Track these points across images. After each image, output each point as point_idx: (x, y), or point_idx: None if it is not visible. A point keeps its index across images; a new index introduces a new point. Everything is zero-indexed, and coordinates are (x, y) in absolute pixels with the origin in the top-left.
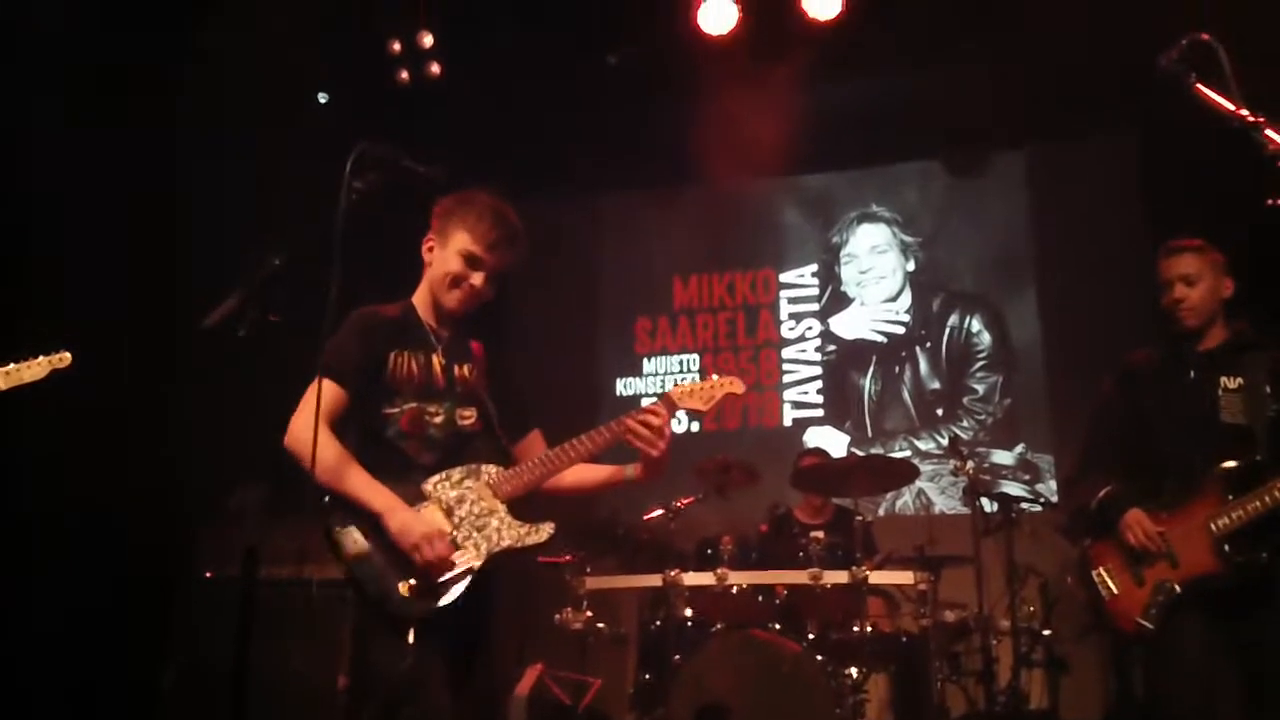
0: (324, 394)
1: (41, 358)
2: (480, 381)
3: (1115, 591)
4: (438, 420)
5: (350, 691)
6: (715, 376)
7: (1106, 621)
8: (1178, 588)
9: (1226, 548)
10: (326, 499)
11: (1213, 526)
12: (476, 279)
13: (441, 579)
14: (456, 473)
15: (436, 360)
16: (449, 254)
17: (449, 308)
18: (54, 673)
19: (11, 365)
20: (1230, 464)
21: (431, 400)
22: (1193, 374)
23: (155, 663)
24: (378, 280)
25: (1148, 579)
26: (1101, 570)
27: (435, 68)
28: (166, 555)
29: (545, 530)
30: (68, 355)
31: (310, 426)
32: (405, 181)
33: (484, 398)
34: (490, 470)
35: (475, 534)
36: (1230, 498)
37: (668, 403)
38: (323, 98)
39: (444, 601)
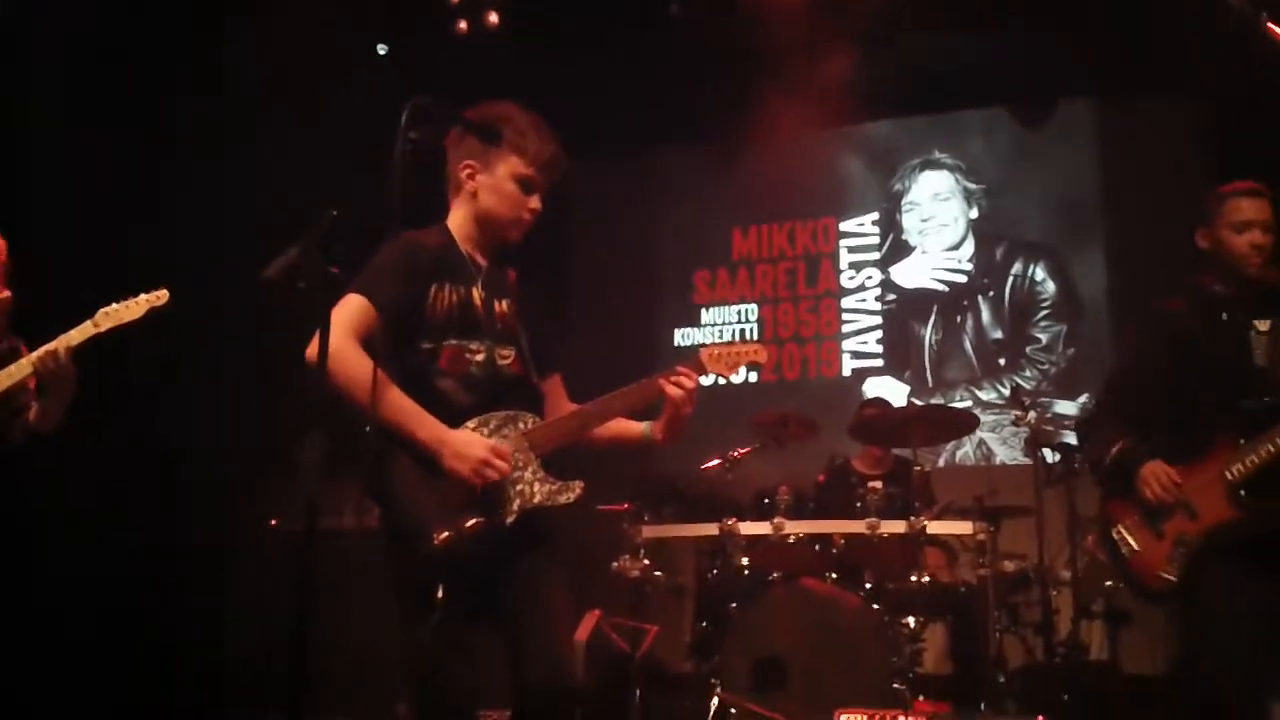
0: (354, 308)
1: (141, 296)
2: (517, 317)
3: (1136, 548)
4: (479, 359)
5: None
6: (742, 343)
7: (1131, 579)
8: (1199, 539)
9: (1243, 493)
10: (368, 429)
11: (1228, 474)
12: (534, 202)
13: (475, 530)
14: (495, 418)
15: (477, 294)
16: (499, 179)
17: (509, 238)
18: (119, 618)
19: (114, 305)
20: (1257, 408)
21: (472, 337)
22: (1225, 316)
23: (220, 613)
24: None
25: (1167, 532)
26: (1121, 528)
27: (494, 17)
28: (236, 506)
29: (575, 489)
30: (165, 293)
31: (341, 345)
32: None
33: (520, 336)
34: (528, 420)
35: (510, 488)
36: (1243, 442)
37: (695, 365)
38: (382, 49)
39: (469, 553)
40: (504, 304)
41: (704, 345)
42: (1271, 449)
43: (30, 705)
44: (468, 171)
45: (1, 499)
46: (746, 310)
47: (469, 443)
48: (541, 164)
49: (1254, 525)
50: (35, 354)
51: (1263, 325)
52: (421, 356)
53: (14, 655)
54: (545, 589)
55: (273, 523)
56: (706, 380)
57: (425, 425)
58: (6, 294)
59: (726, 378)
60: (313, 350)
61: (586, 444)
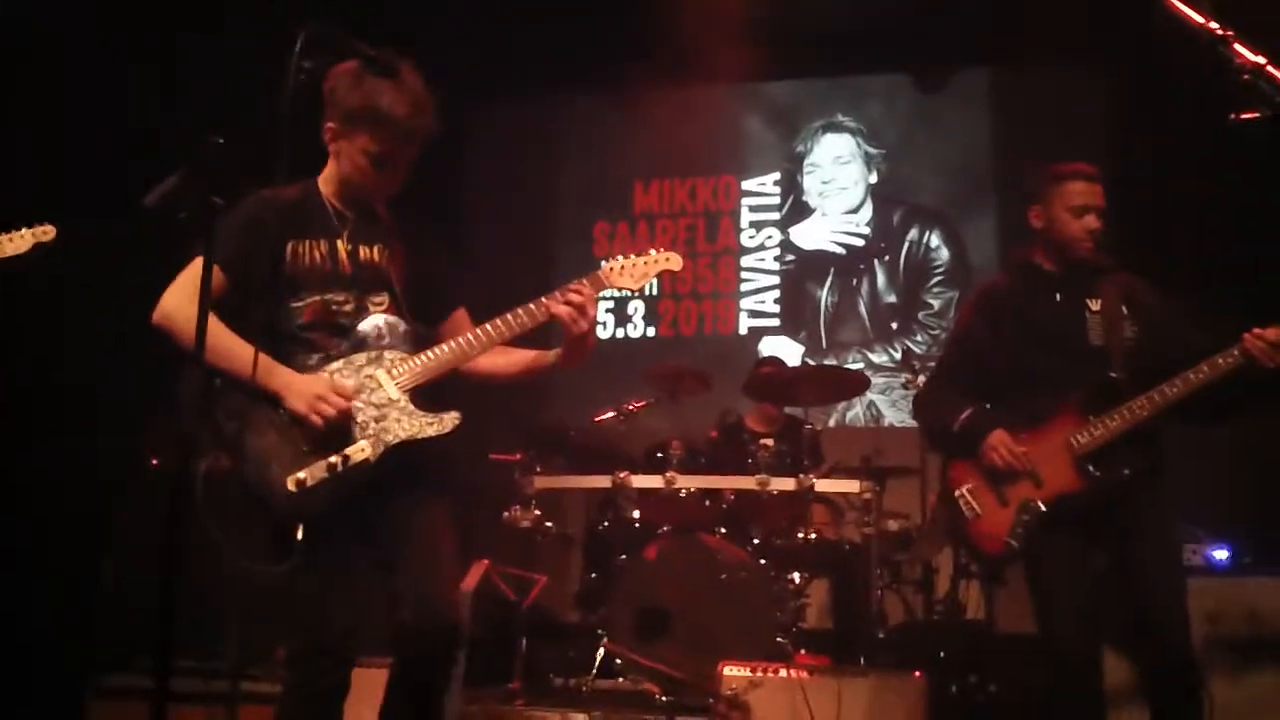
0: (197, 269)
1: (25, 230)
2: (394, 262)
3: (979, 512)
4: (347, 309)
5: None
6: (652, 252)
7: (970, 542)
8: (1043, 506)
9: (1090, 466)
10: (218, 381)
11: (1074, 442)
12: (383, 178)
13: (332, 471)
14: (360, 358)
15: (341, 246)
16: (354, 151)
17: (372, 201)
18: None
19: None
20: (1097, 384)
21: (337, 289)
22: (1058, 297)
23: (98, 551)
24: (321, 162)
25: (1011, 499)
26: (964, 490)
27: None
28: (116, 443)
29: (448, 420)
30: (51, 228)
31: (183, 304)
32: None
33: (394, 281)
34: (391, 356)
35: (373, 424)
36: (1090, 417)
37: (594, 281)
38: None
39: (331, 496)
40: (373, 250)
41: (607, 260)
42: (1118, 421)
43: None
44: (329, 134)
45: None
46: (616, 261)
47: (309, 382)
48: (397, 138)
49: (1093, 496)
50: None
51: (1095, 305)
52: (290, 313)
53: None
54: (419, 525)
55: (154, 462)
56: (635, 327)
57: (271, 374)
58: None
59: (634, 292)
60: (158, 312)
61: (471, 376)
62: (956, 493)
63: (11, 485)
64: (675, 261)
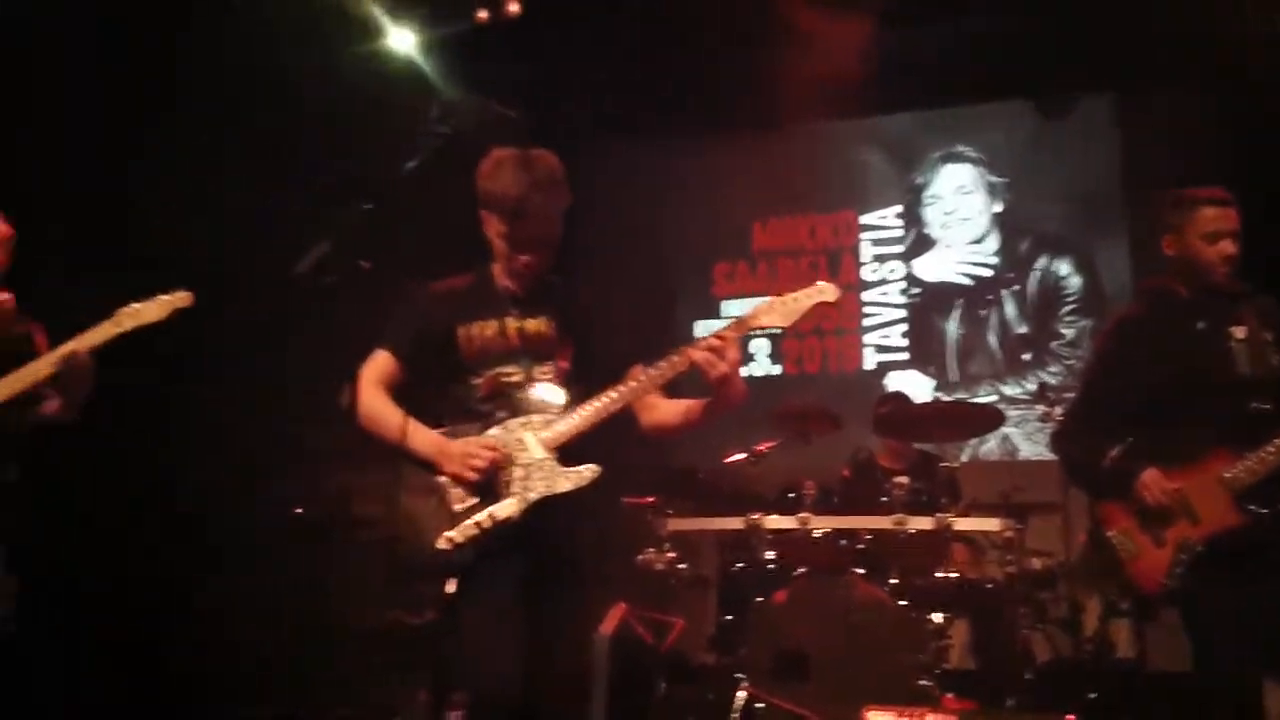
0: (377, 362)
1: (162, 297)
2: (561, 331)
3: (1135, 553)
4: (516, 379)
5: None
6: (803, 290)
7: (1126, 583)
8: (1200, 545)
9: (1248, 502)
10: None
11: (1228, 477)
12: (524, 257)
13: (480, 529)
14: (513, 423)
15: (510, 323)
16: (493, 236)
17: (519, 282)
18: (138, 611)
19: (135, 305)
20: (1245, 415)
21: (508, 363)
22: (1200, 325)
23: (241, 602)
24: (465, 223)
25: (1168, 539)
26: (1118, 531)
27: (514, 6)
28: (253, 495)
29: (586, 473)
30: (187, 294)
31: (365, 399)
32: (489, 124)
33: (560, 349)
34: (539, 419)
35: (518, 483)
36: (1244, 450)
37: (739, 325)
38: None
39: (480, 551)
40: (540, 323)
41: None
42: (1274, 455)
43: (47, 683)
44: (481, 220)
45: (31, 482)
46: (765, 300)
47: (458, 444)
48: (524, 220)
49: (1256, 533)
50: (56, 353)
51: (1239, 333)
52: (470, 390)
53: (33, 636)
54: (503, 601)
55: (297, 511)
56: (758, 363)
57: (427, 441)
58: (8, 296)
59: (786, 330)
60: (344, 398)
61: (658, 434)
62: (1110, 534)
63: (160, 535)
64: (830, 292)
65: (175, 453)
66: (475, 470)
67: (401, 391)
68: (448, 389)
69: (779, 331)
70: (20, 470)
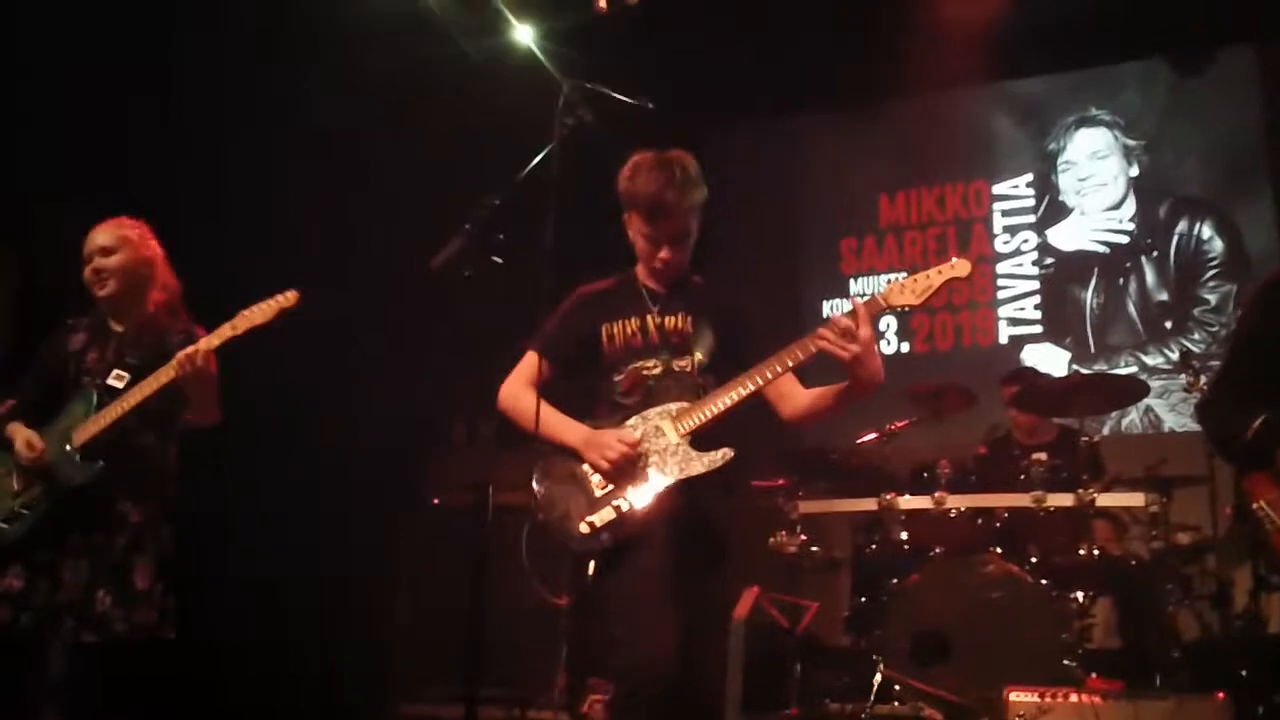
0: (527, 362)
1: (270, 300)
2: (700, 327)
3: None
4: (655, 373)
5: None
6: (934, 268)
7: (1273, 557)
8: None
9: None
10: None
11: None
12: (663, 253)
13: (619, 513)
14: (651, 412)
15: (651, 320)
16: (634, 236)
17: (656, 284)
18: (290, 601)
19: (251, 308)
20: None
21: (648, 358)
22: None
23: (386, 589)
24: (595, 215)
25: None
26: (1263, 503)
27: None
28: (397, 486)
29: (719, 457)
30: (294, 294)
31: (512, 392)
32: (615, 113)
33: (698, 343)
34: (675, 407)
35: (655, 470)
36: None
37: (870, 305)
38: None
39: (619, 535)
40: (679, 319)
41: (889, 283)
42: None
43: (199, 674)
44: (626, 223)
45: (181, 485)
46: (897, 279)
47: (598, 434)
48: (660, 217)
49: None
50: (175, 358)
51: None
52: (613, 386)
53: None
54: (647, 585)
55: (435, 501)
56: (888, 343)
57: (572, 431)
58: (175, 282)
59: (916, 308)
60: (500, 401)
61: (802, 421)
62: (1254, 505)
63: (304, 526)
64: (963, 267)
65: (319, 448)
66: (610, 460)
67: (550, 387)
68: (594, 385)
69: (908, 311)
70: (175, 481)
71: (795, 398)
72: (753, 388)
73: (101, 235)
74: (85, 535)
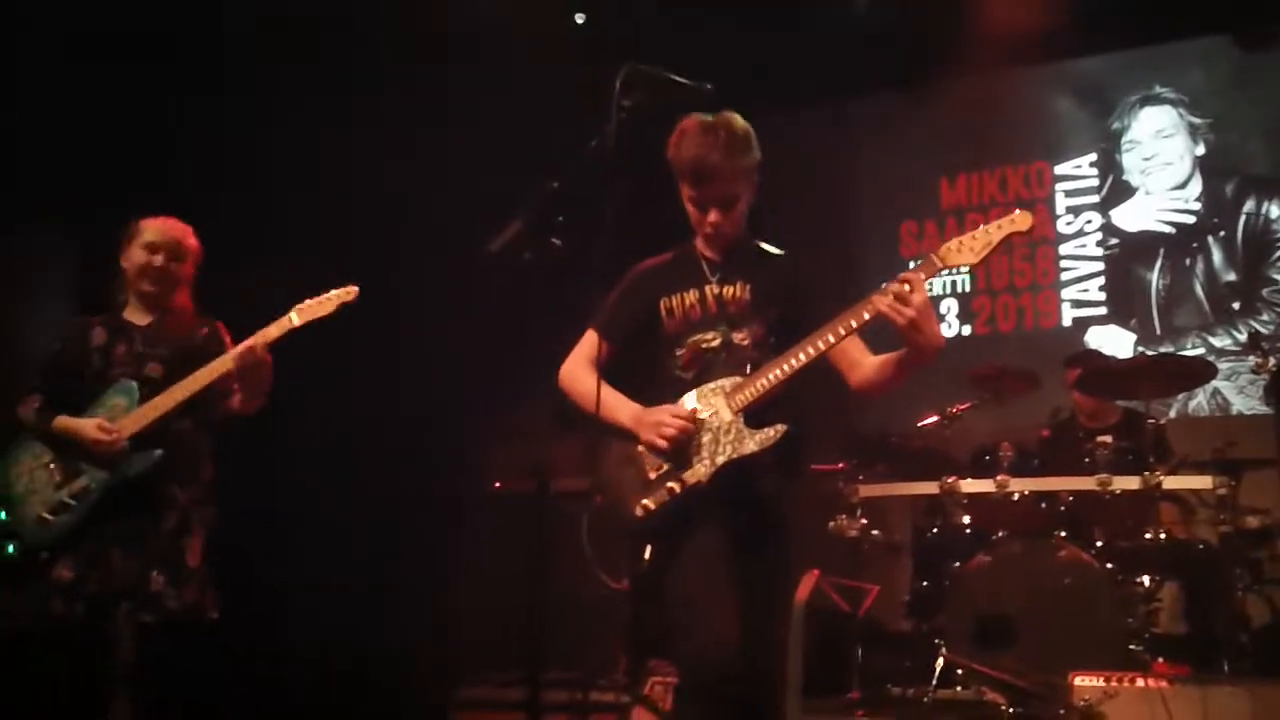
0: (587, 341)
1: (331, 292)
2: (759, 294)
3: None
4: (714, 345)
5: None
6: (992, 223)
7: None
8: None
9: None
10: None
11: None
12: (712, 217)
13: (673, 495)
14: (707, 388)
15: (709, 291)
16: (686, 201)
17: (717, 249)
18: (350, 585)
19: (306, 302)
20: None
21: (706, 329)
22: None
23: (439, 576)
24: (654, 197)
25: None
26: None
27: None
28: (456, 470)
29: (772, 434)
30: (354, 288)
31: (571, 372)
32: (673, 97)
33: (758, 315)
34: (729, 383)
35: (707, 448)
36: None
37: (926, 266)
38: (579, 18)
39: (676, 516)
40: (736, 288)
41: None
42: None
43: (264, 663)
44: (680, 192)
45: (227, 470)
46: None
47: (650, 411)
48: (707, 183)
49: None
50: (236, 349)
51: None
52: (674, 361)
53: (248, 620)
54: (707, 566)
55: (496, 485)
56: (949, 326)
57: (626, 411)
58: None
59: (975, 266)
60: (560, 379)
61: (865, 392)
62: None
63: (363, 512)
64: (1024, 219)
65: (373, 433)
66: (665, 438)
67: (612, 366)
68: (655, 361)
69: (968, 271)
70: (214, 463)
71: (863, 365)
72: (804, 359)
73: (161, 232)
74: (133, 521)
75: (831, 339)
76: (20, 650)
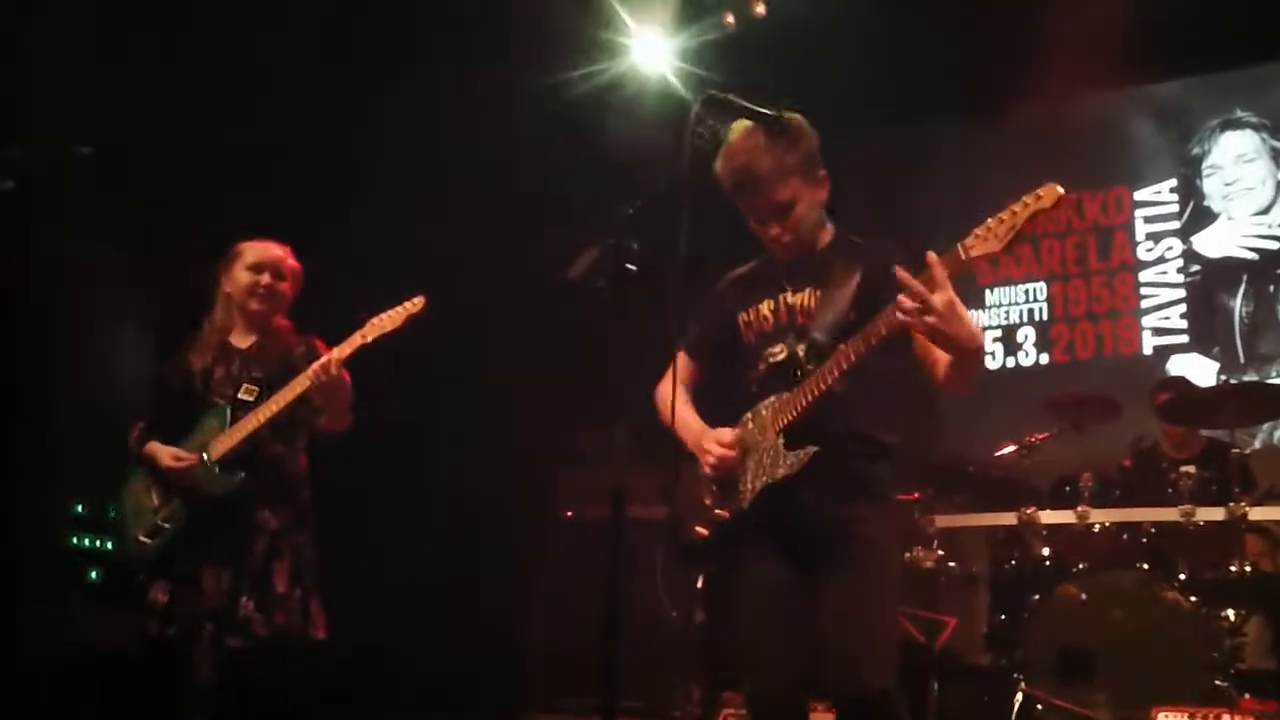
0: (680, 362)
1: (399, 307)
2: (826, 298)
3: None
4: (781, 359)
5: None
6: (1017, 202)
7: None
8: None
9: None
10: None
11: None
12: (772, 231)
13: (721, 521)
14: (762, 406)
15: (783, 300)
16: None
17: (783, 262)
18: (420, 613)
19: (379, 316)
20: None
21: (777, 342)
22: None
23: (512, 602)
24: (729, 223)
25: None
26: None
27: (760, 8)
28: (527, 497)
29: (799, 458)
30: (421, 299)
31: (662, 394)
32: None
33: (825, 323)
34: (775, 400)
35: (751, 471)
36: None
37: (949, 262)
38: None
39: (733, 541)
40: (804, 295)
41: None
42: None
43: (335, 678)
44: None
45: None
46: (1035, 289)
47: (697, 434)
48: (742, 198)
49: None
50: (311, 368)
51: None
52: (750, 376)
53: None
54: (765, 597)
55: (568, 514)
56: (1025, 354)
57: (689, 433)
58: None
59: (997, 256)
60: (657, 402)
61: (946, 387)
62: None
63: (436, 537)
64: (1050, 194)
65: (445, 456)
66: (708, 465)
67: (703, 384)
68: (739, 377)
69: (994, 260)
70: (311, 488)
71: (940, 363)
72: (831, 379)
73: (262, 253)
74: (226, 544)
75: (853, 355)
76: (114, 669)
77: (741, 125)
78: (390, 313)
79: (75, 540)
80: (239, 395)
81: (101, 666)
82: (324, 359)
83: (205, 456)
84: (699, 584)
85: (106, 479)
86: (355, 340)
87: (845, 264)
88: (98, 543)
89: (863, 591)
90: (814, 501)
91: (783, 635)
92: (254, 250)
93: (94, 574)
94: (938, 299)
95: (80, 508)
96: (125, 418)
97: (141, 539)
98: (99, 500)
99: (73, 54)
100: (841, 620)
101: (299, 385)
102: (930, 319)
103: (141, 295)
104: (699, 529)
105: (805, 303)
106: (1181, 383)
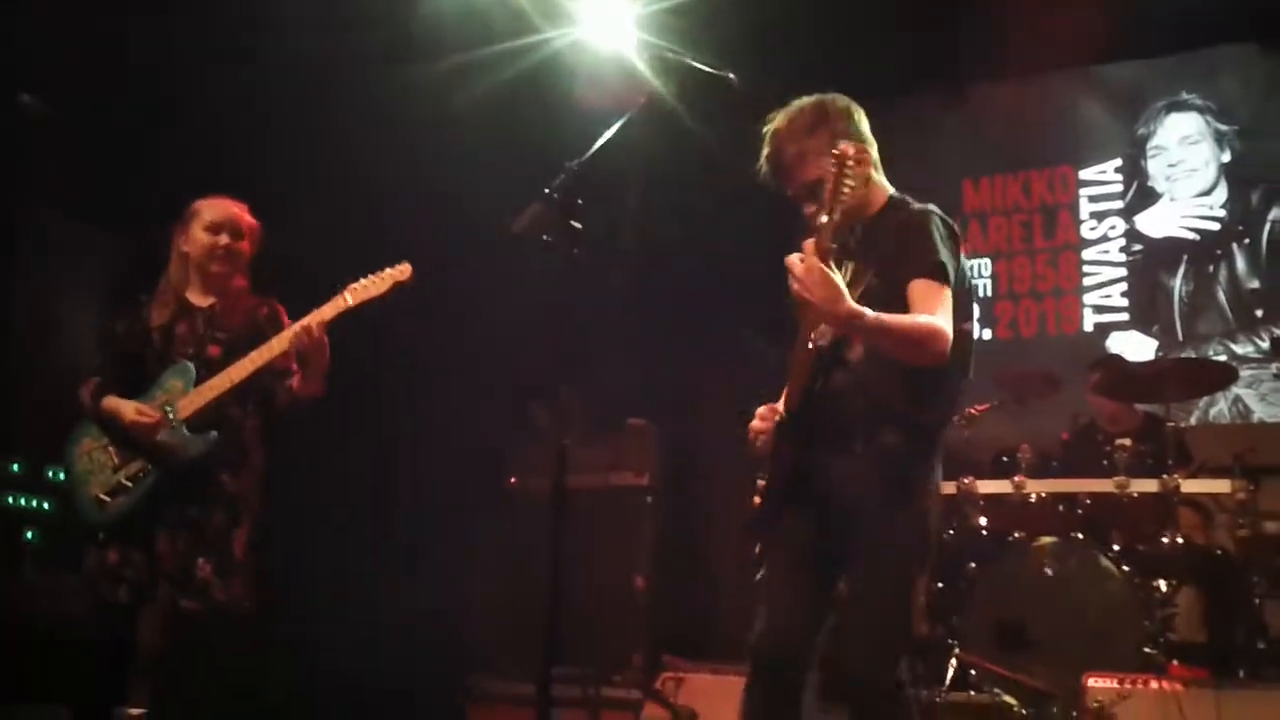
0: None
1: (386, 271)
2: (859, 274)
3: None
4: (824, 342)
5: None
6: None
7: None
8: None
9: None
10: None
11: None
12: (809, 212)
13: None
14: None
15: None
16: None
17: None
18: (364, 576)
19: (360, 282)
20: None
21: (818, 324)
22: None
23: (461, 565)
24: (681, 183)
25: None
26: None
27: None
28: (475, 465)
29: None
30: (408, 267)
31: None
32: (694, 87)
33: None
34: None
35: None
36: None
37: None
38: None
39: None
40: (845, 270)
41: None
42: None
43: (276, 655)
44: None
45: (276, 458)
46: (980, 265)
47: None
48: (780, 183)
49: None
50: (291, 329)
51: None
52: (803, 355)
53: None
54: (783, 569)
55: (511, 480)
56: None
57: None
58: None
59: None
60: None
61: None
62: None
63: (382, 504)
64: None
65: (393, 424)
66: (751, 441)
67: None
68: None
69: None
70: (265, 453)
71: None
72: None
73: (220, 211)
74: (183, 506)
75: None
76: (58, 632)
77: (776, 113)
78: (374, 277)
79: (10, 500)
80: (206, 354)
81: (42, 631)
82: (305, 321)
83: (170, 414)
84: (757, 551)
85: (45, 437)
86: (338, 304)
87: (880, 233)
88: (34, 503)
89: (876, 594)
90: (848, 484)
91: (790, 604)
92: (211, 208)
93: (29, 535)
94: (798, 266)
95: (15, 467)
96: (66, 375)
97: (101, 497)
98: (35, 458)
99: (25, 11)
100: (855, 612)
101: (276, 346)
102: (794, 285)
103: (84, 250)
104: (755, 499)
105: (845, 278)
106: (1115, 360)
